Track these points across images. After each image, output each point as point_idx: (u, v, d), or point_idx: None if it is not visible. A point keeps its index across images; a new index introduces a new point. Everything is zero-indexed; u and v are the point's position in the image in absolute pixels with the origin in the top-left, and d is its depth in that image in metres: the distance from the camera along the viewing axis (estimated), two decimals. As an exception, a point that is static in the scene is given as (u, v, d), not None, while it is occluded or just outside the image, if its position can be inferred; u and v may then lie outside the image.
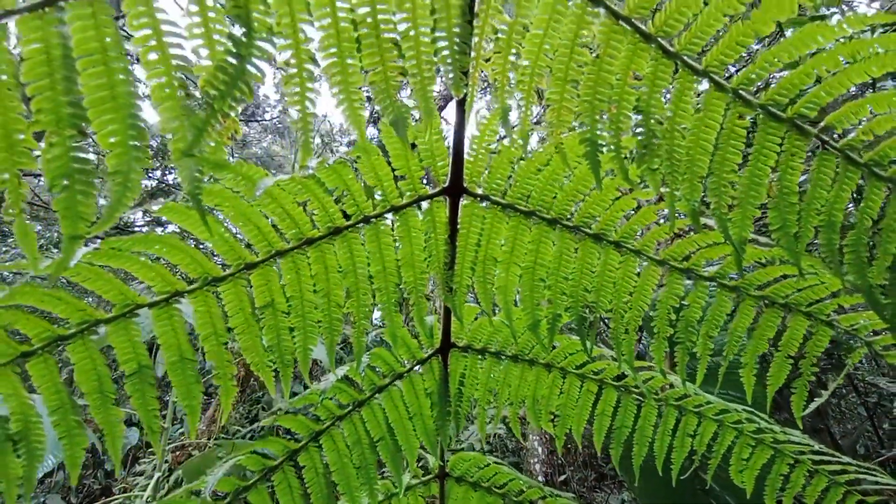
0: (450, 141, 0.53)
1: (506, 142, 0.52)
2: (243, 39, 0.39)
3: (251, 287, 0.53)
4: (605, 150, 0.48)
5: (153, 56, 0.37)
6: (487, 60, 0.46)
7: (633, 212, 0.60)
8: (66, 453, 0.50)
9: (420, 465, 0.72)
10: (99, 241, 0.44)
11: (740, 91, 0.49)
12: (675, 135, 0.49)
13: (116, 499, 1.78)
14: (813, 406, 0.71)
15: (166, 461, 2.15)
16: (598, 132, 0.48)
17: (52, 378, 0.48)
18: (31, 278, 0.43)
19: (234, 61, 0.38)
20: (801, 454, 0.70)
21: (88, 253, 0.44)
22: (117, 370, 0.53)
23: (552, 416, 0.72)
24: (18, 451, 0.49)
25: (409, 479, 0.70)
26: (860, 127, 0.51)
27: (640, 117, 0.49)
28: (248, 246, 0.52)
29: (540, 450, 2.26)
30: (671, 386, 0.69)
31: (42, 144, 0.36)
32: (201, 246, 0.55)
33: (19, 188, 0.36)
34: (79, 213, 0.35)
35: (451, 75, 0.44)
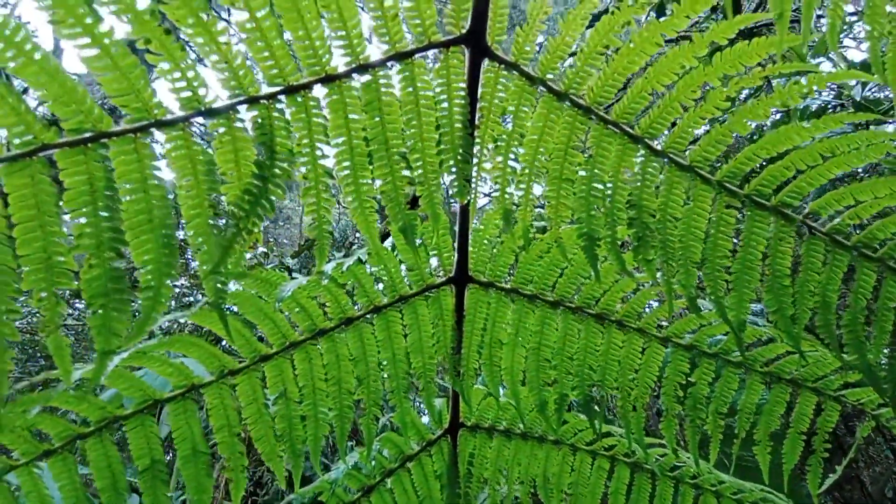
0: (455, 232, 0.56)
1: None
2: (266, 162, 0.43)
3: (264, 378, 0.55)
4: (601, 243, 0.51)
5: (186, 181, 0.41)
6: (489, 166, 0.50)
7: (632, 293, 0.62)
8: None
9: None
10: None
11: (725, 183, 0.53)
12: (667, 225, 0.52)
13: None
14: (827, 483, 0.69)
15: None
16: (594, 227, 0.51)
17: (70, 475, 0.49)
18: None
19: (258, 182, 0.42)
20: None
21: (120, 360, 0.46)
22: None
23: (565, 495, 0.71)
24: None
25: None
26: (846, 213, 0.53)
27: (633, 211, 0.52)
28: (261, 338, 0.54)
29: None
30: (683, 464, 0.68)
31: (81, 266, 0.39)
32: (214, 340, 0.57)
33: (56, 307, 0.39)
34: (112, 330, 0.38)
35: (455, 184, 0.48)
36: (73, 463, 0.49)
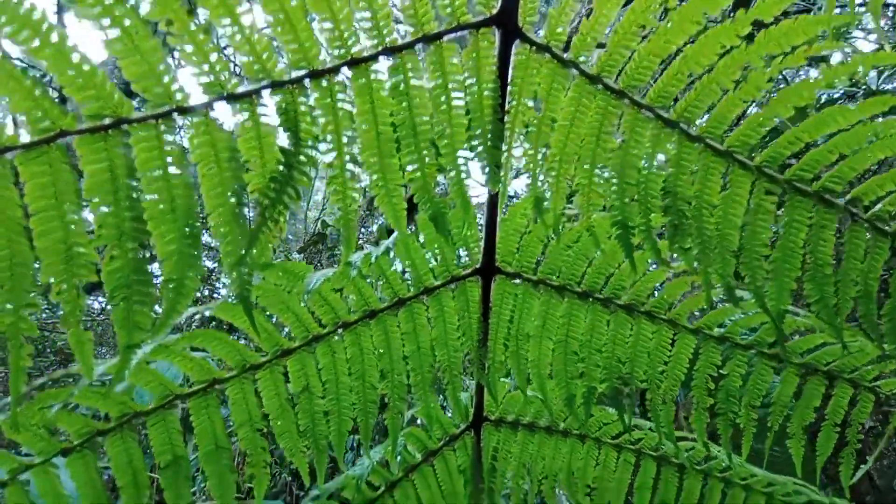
0: (482, 222, 0.55)
1: (536, 223, 0.54)
2: (291, 149, 0.41)
3: (287, 373, 0.53)
4: (635, 231, 0.49)
5: (210, 169, 0.39)
6: (519, 153, 0.48)
7: (659, 285, 0.60)
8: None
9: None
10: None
11: (764, 169, 0.51)
12: (703, 213, 0.50)
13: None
14: (858, 475, 0.67)
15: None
16: (628, 214, 0.49)
17: (89, 473, 0.48)
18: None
19: (283, 169, 0.40)
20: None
21: (143, 355, 0.44)
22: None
23: (589, 489, 0.70)
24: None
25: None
26: (888, 198, 0.51)
27: (668, 198, 0.50)
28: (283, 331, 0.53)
29: None
30: (713, 458, 0.67)
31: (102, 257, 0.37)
32: (234, 334, 0.55)
33: (77, 300, 0.37)
34: (136, 323, 0.36)
35: (486, 171, 0.46)
36: (92, 461, 0.48)
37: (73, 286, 0.37)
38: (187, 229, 0.38)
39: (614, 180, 0.50)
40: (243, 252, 0.37)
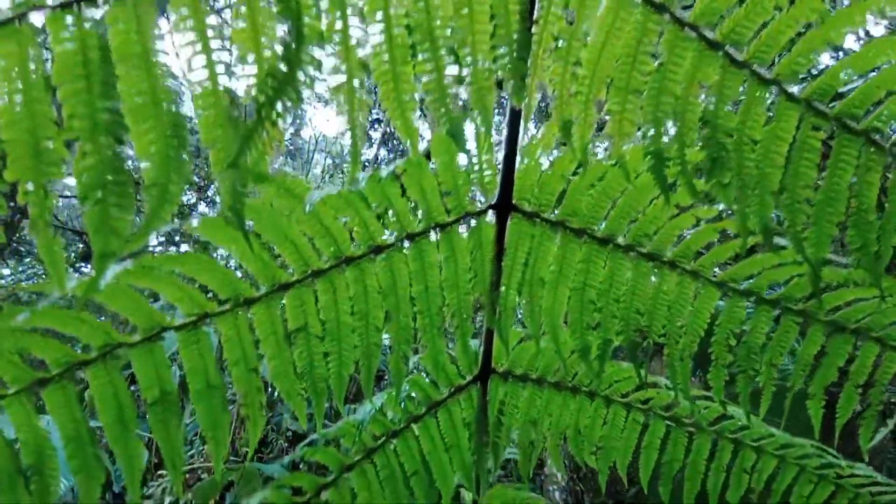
0: (499, 154, 0.50)
1: (558, 154, 0.49)
2: (293, 45, 0.36)
3: (284, 309, 0.49)
4: (670, 163, 0.45)
5: (198, 61, 0.34)
6: (546, 70, 0.43)
7: (686, 233, 0.56)
8: (80, 489, 0.46)
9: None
10: (128, 260, 0.41)
11: (813, 102, 0.46)
12: (744, 148, 0.46)
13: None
14: (878, 438, 0.65)
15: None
16: (664, 145, 0.45)
17: (70, 407, 0.45)
18: (57, 299, 0.39)
19: (283, 66, 0.35)
20: (861, 487, 0.64)
21: (121, 271, 0.40)
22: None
23: (595, 449, 0.67)
24: (30, 485, 0.45)
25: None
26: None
27: (707, 129, 0.45)
28: (280, 263, 0.49)
29: (559, 476, 2.17)
30: (729, 417, 0.64)
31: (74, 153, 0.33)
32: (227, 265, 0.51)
33: (45, 200, 0.33)
34: (112, 228, 0.32)
35: (510, 83, 0.41)
36: (73, 393, 0.44)
37: (40, 185, 0.33)
38: (172, 127, 0.33)
39: (650, 107, 0.45)
40: (235, 154, 0.33)
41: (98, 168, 0.32)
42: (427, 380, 0.58)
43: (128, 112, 0.33)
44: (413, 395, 0.58)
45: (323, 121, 17.06)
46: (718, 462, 0.66)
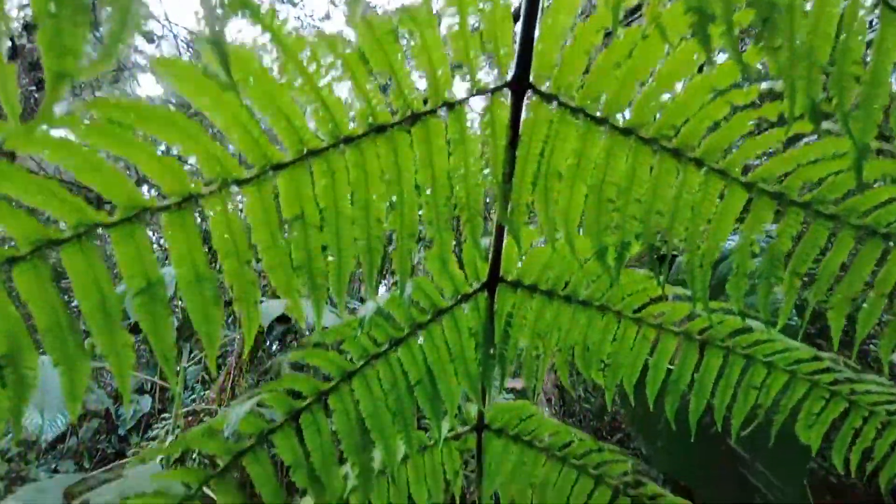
0: (516, 25, 0.44)
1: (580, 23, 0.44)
2: None
3: (277, 196, 0.45)
4: (714, 22, 0.40)
5: None
6: None
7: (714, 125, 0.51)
8: (63, 382, 0.43)
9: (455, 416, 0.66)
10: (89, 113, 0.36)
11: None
12: (795, 13, 0.41)
13: (129, 461, 1.74)
14: None
15: (178, 426, 2.11)
16: (707, 2, 0.39)
17: (44, 290, 0.41)
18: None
19: None
20: (876, 405, 0.63)
21: (83, 127, 0.35)
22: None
23: (603, 365, 0.66)
24: (4, 378, 0.42)
25: (447, 429, 0.63)
26: None
27: (756, -13, 0.40)
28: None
29: (545, 401, 2.23)
30: (745, 331, 0.62)
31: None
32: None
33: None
34: (66, 47, 0.27)
35: None
36: (47, 274, 0.40)
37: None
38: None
39: (692, -41, 0.39)
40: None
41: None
42: (432, 284, 0.55)
43: None
44: (417, 300, 0.55)
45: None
46: (728, 378, 0.64)
